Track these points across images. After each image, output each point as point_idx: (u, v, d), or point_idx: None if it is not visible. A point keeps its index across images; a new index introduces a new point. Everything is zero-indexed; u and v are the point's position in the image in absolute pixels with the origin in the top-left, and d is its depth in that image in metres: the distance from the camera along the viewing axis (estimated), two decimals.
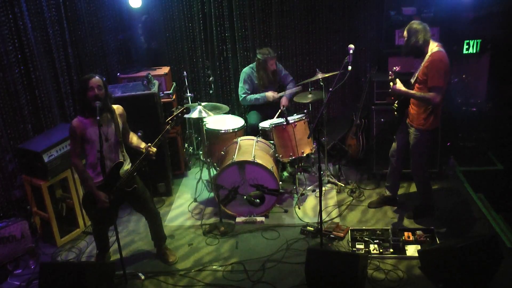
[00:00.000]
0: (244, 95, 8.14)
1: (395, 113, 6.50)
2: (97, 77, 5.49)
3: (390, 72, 6.30)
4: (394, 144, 6.78)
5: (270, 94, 8.03)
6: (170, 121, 5.80)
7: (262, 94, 8.08)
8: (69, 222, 7.03)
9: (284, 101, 7.99)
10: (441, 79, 5.98)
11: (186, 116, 6.59)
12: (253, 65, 8.18)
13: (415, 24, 6.11)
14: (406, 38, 6.16)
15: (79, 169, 5.64)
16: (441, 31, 7.74)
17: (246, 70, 8.21)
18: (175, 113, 5.85)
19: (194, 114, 7.09)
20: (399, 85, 6.24)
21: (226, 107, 7.60)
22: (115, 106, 5.74)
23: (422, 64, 6.09)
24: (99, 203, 5.57)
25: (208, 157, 7.50)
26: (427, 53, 6.07)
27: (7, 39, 6.65)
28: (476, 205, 6.97)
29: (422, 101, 6.15)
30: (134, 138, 5.99)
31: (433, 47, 6.06)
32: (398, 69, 6.32)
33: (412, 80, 6.26)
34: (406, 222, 6.71)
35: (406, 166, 6.70)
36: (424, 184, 6.67)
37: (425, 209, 6.75)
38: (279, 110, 7.78)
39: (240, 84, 8.22)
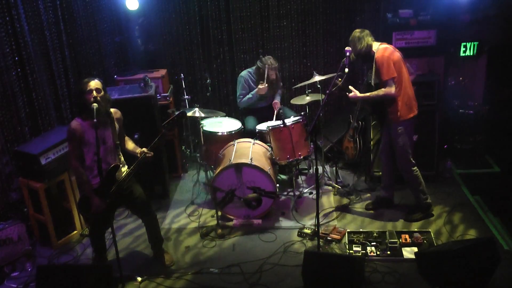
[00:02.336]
0: (239, 98, 8.12)
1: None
2: (96, 80, 5.49)
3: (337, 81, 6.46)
4: (380, 144, 6.83)
5: (260, 87, 7.93)
6: (165, 125, 5.79)
7: (252, 92, 8.02)
8: (66, 225, 7.01)
9: (277, 104, 8.01)
10: (389, 71, 6.21)
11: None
12: (251, 69, 8.16)
13: (356, 33, 6.38)
14: (354, 50, 6.37)
15: (79, 172, 5.61)
16: (438, 34, 7.75)
17: (243, 74, 8.17)
18: (171, 117, 5.84)
19: (191, 113, 7.11)
20: (354, 92, 6.48)
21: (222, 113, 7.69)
22: (113, 110, 5.73)
23: (373, 66, 6.30)
24: (93, 208, 5.55)
25: (205, 159, 7.50)
26: (374, 54, 6.27)
27: (4, 41, 6.65)
28: (473, 207, 6.98)
29: (381, 98, 6.36)
30: (129, 143, 5.99)
31: (376, 46, 6.31)
32: (340, 80, 6.52)
33: (372, 83, 6.48)
34: (404, 224, 6.71)
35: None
36: (415, 180, 6.66)
37: (423, 208, 6.76)
38: (276, 112, 7.82)
39: (238, 88, 8.20)
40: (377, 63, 6.22)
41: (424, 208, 6.78)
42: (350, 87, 6.50)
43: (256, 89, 7.94)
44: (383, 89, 6.26)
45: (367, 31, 6.36)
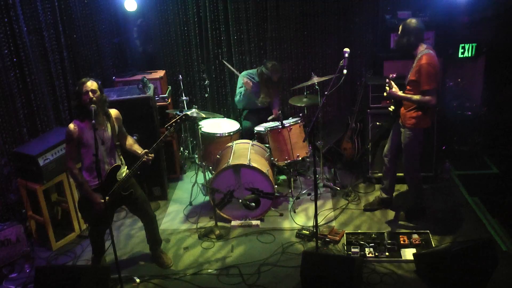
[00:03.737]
0: (238, 95, 8.10)
1: (391, 113, 6.53)
2: (92, 81, 5.48)
3: (387, 80, 6.34)
4: (387, 145, 6.82)
5: (249, 81, 7.95)
6: (168, 127, 5.80)
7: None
8: (65, 226, 7.02)
9: (275, 112, 8.01)
10: (432, 82, 6.07)
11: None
12: (252, 71, 8.14)
13: (412, 23, 6.17)
14: (399, 35, 6.24)
15: (74, 173, 5.63)
16: (436, 35, 7.76)
17: (243, 74, 8.16)
18: (173, 120, 5.85)
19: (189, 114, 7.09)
20: (395, 89, 6.29)
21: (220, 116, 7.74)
22: (111, 110, 5.74)
23: (413, 66, 6.17)
24: (95, 206, 5.57)
25: (204, 160, 7.50)
26: (417, 54, 6.17)
27: (3, 42, 6.64)
28: (472, 208, 6.98)
29: (418, 104, 6.20)
30: (131, 142, 5.99)
31: (423, 49, 6.16)
32: (394, 75, 6.36)
33: (406, 82, 6.31)
34: (402, 225, 6.71)
35: (401, 168, 6.73)
36: (417, 185, 6.68)
37: (417, 211, 6.77)
38: (272, 116, 7.84)
39: (237, 87, 8.19)
40: (423, 69, 6.03)
41: (417, 211, 6.77)
42: (392, 82, 6.35)
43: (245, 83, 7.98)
44: (426, 97, 6.08)
45: (422, 26, 6.18)
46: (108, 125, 5.67)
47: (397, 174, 6.88)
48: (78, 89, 5.45)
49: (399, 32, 6.26)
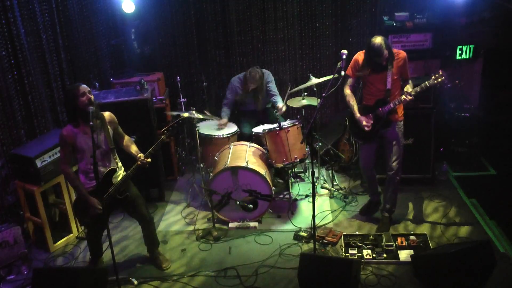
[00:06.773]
0: (225, 101, 8.23)
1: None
2: (83, 85, 5.50)
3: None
4: (363, 158, 6.74)
5: (220, 122, 8.04)
6: (165, 131, 5.80)
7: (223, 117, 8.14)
8: (62, 228, 7.02)
9: (279, 106, 7.97)
10: None
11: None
12: (241, 75, 8.15)
13: (383, 39, 6.13)
14: (387, 54, 6.10)
15: (70, 177, 5.65)
16: (434, 37, 7.76)
17: (233, 79, 8.19)
18: (170, 124, 5.84)
19: (186, 115, 7.09)
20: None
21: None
22: (104, 113, 5.73)
23: (395, 65, 6.15)
24: (91, 209, 5.57)
25: (201, 162, 7.49)
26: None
27: (1, 44, 6.63)
28: (469, 210, 6.98)
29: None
30: (128, 142, 5.98)
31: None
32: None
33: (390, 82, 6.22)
34: (400, 227, 6.71)
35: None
36: (399, 185, 6.66)
37: (389, 218, 6.74)
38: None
39: (227, 92, 8.26)
40: (406, 61, 6.22)
41: (390, 217, 6.76)
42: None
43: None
44: (410, 82, 6.26)
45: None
46: (102, 129, 5.66)
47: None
48: (74, 93, 5.43)
49: (387, 52, 6.10)
